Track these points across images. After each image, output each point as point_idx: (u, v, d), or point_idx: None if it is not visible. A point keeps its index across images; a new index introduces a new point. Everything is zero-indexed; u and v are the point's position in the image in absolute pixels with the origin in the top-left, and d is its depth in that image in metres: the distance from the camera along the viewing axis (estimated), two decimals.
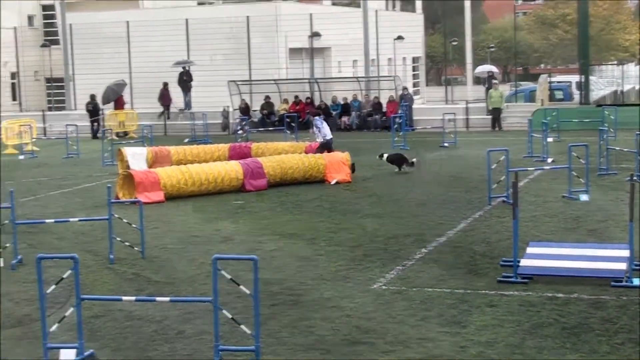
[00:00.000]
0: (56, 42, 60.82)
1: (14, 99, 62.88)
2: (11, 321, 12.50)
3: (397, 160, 28.32)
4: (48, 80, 63.46)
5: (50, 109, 58.23)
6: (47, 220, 18.40)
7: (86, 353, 10.61)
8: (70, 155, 36.32)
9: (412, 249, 16.61)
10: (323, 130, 28.50)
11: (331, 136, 28.89)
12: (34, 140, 40.00)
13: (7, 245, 16.37)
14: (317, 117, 29.77)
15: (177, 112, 49.83)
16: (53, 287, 10.82)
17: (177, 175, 24.00)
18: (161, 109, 49.70)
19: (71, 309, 10.75)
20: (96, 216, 19.31)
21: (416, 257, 16.00)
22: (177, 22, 54.34)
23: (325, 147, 28.18)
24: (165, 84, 49.69)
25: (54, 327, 10.69)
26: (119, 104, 48.71)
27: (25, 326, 12.23)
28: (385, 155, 28.72)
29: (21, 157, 37.04)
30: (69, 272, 10.54)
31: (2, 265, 15.93)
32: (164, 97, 49.68)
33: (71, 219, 18.49)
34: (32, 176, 30.03)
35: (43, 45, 62.01)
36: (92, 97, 47.93)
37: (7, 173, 31.15)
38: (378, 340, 11.22)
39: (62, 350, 10.61)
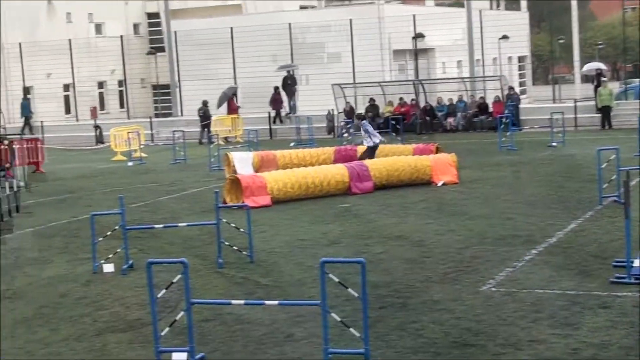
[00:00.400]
0: (162, 50, 61.73)
1: (122, 106, 64.03)
2: (123, 325, 12.66)
3: None
4: (154, 87, 64.50)
5: (157, 115, 59.06)
6: (156, 226, 18.63)
7: (197, 356, 10.69)
8: (177, 161, 36.76)
9: (522, 250, 16.38)
10: (371, 133, 28.22)
11: (381, 138, 28.65)
12: (141, 146, 40.60)
13: (118, 250, 16.61)
14: (364, 122, 29.31)
15: (284, 116, 50.08)
16: (163, 291, 10.93)
17: (283, 179, 24.10)
18: (273, 114, 49.92)
19: (181, 313, 10.84)
20: (204, 221, 19.49)
21: (526, 258, 15.77)
22: (280, 27, 54.67)
23: (373, 151, 27.99)
24: (276, 88, 49.91)
25: (165, 331, 10.80)
26: (231, 109, 48.96)
27: (136, 330, 12.37)
28: None
29: (130, 163, 37.62)
30: (179, 276, 10.63)
31: (112, 270, 16.19)
32: (275, 102, 49.89)
33: (180, 224, 18.71)
34: (140, 182, 30.46)
35: (149, 53, 63.03)
36: (204, 102, 48.50)
37: (117, 180, 31.69)
38: (488, 342, 11.07)
39: (173, 354, 10.71)
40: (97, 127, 50.50)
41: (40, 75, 59.68)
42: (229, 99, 49.28)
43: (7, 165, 30.14)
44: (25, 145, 34.70)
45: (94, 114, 54.88)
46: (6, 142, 31.63)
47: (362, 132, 28.60)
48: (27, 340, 12.21)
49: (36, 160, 36.03)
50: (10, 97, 58.82)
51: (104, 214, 18.67)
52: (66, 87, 61.58)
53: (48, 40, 59.26)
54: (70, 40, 59.23)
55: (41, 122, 53.50)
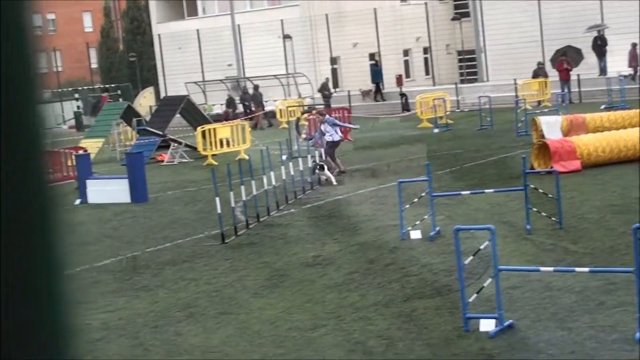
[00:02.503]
0: (466, 15, 61.48)
1: (427, 73, 64.36)
2: (430, 292, 12.68)
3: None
4: (459, 53, 64.36)
5: (462, 81, 58.94)
6: (463, 192, 18.55)
7: (505, 323, 10.55)
8: (483, 127, 36.51)
9: None
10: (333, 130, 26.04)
11: (340, 137, 26.60)
12: (447, 113, 40.61)
13: (425, 217, 16.67)
14: (327, 117, 26.77)
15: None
16: (470, 258, 10.83)
17: (593, 143, 23.40)
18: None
19: (489, 280, 10.71)
20: (511, 187, 19.23)
21: None
22: None
23: (335, 147, 26.15)
24: (634, 45, 47.96)
25: (472, 298, 10.72)
26: (559, 69, 47.35)
27: (444, 296, 12.36)
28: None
29: (435, 130, 37.74)
30: (486, 243, 10.50)
31: (419, 237, 16.26)
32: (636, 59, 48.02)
33: (486, 191, 18.53)
34: (446, 149, 30.46)
35: (454, 19, 62.96)
36: (539, 63, 48.34)
37: (423, 147, 31.84)
38: None
39: (481, 321, 10.62)
40: (402, 94, 51.01)
41: (347, 45, 60.92)
42: (558, 60, 47.96)
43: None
44: (333, 115, 35.49)
45: (399, 81, 55.49)
46: (314, 112, 32.54)
47: (327, 129, 26.07)
48: (337, 305, 12.46)
49: (344, 129, 36.78)
50: (318, 68, 60.43)
51: (411, 182, 18.80)
52: (371, 56, 62.57)
53: (354, 10, 60.38)
54: (375, 9, 60.11)
55: (348, 91, 54.70)
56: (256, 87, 50.30)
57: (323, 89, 50.14)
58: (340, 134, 26.37)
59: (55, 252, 1.43)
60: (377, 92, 55.00)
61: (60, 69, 78.70)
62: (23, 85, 1.38)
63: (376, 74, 55.50)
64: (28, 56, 1.38)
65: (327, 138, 25.88)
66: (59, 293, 1.43)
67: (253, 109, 48.62)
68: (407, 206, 16.90)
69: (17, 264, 1.39)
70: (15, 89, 1.37)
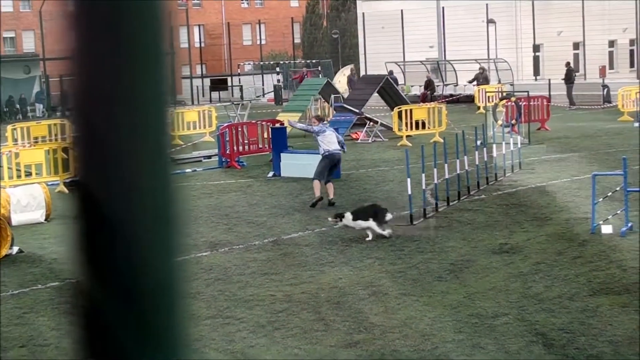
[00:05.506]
0: None
1: (632, 65, 62.58)
2: (618, 288, 12.43)
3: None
4: None
5: None
6: None
7: None
8: None
9: None
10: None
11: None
12: None
13: (618, 212, 16.31)
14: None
15: None
16: None
17: None
18: None
19: None
20: None
21: None
22: None
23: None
24: None
25: None
26: None
27: (632, 294, 12.15)
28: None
29: (636, 124, 36.49)
30: None
31: (610, 232, 15.89)
32: None
33: None
34: None
35: None
36: None
37: (621, 140, 30.99)
38: None
39: None
40: (604, 86, 49.79)
41: (551, 33, 59.81)
42: None
43: (513, 121, 30.66)
44: (531, 103, 35.00)
45: (602, 73, 54.20)
46: (513, 99, 32.19)
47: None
48: (521, 294, 12.37)
49: (542, 117, 36.29)
50: (519, 54, 59.61)
51: (606, 175, 18.41)
52: (575, 46, 61.26)
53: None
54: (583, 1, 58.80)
55: (549, 80, 53.75)
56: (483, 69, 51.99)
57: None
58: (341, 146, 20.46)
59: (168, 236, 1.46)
60: None
61: (263, 41, 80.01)
62: (152, 57, 1.43)
63: None
64: (158, 29, 1.43)
65: (330, 148, 20.26)
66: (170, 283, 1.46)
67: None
68: (600, 200, 16.56)
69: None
70: (145, 62, 1.42)
